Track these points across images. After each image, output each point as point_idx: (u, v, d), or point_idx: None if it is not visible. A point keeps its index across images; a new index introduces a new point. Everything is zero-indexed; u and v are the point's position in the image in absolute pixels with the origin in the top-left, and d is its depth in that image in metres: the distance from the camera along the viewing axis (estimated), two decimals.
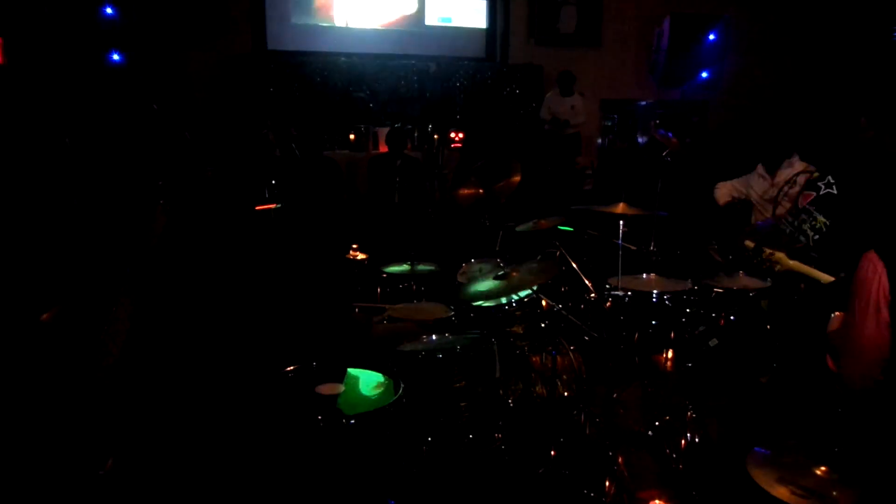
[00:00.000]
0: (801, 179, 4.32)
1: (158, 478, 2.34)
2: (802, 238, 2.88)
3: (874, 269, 2.05)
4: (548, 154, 8.74)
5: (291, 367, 2.60)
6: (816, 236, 2.86)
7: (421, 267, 4.41)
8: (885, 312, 2.03)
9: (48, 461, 1.69)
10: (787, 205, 4.01)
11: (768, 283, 3.40)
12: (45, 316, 1.77)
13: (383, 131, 8.57)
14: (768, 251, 2.73)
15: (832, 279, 2.51)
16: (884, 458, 1.97)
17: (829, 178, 2.85)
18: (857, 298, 2.10)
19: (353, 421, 2.29)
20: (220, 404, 2.77)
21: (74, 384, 1.83)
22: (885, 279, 2.02)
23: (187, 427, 2.58)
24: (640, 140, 9.86)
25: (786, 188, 4.20)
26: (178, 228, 2.81)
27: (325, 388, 2.44)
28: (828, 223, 2.82)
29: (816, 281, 2.62)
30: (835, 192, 2.81)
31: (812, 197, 2.86)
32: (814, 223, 2.84)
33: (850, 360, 2.10)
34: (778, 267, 2.72)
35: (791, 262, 2.69)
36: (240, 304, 3.62)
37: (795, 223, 2.89)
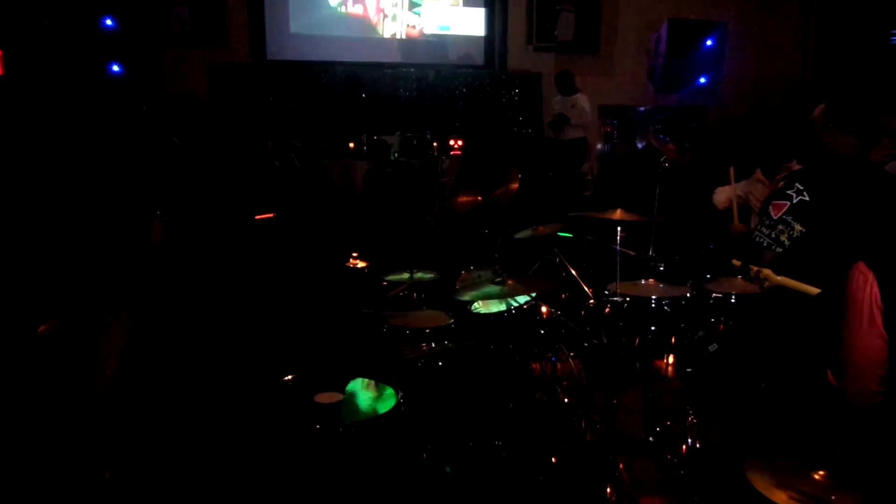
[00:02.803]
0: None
1: (157, 489, 2.34)
2: (779, 249, 2.88)
3: (864, 279, 2.05)
4: (551, 160, 8.72)
5: (290, 376, 2.60)
6: (790, 244, 2.86)
7: (420, 275, 4.41)
8: (878, 322, 2.02)
9: (45, 472, 1.69)
10: None
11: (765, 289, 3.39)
12: (42, 328, 1.78)
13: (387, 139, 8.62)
14: (755, 269, 2.73)
15: (817, 291, 2.51)
16: (884, 464, 1.97)
17: (798, 184, 2.84)
18: (849, 310, 2.09)
19: (352, 429, 2.29)
20: (219, 413, 2.77)
21: (72, 396, 1.83)
22: (875, 289, 2.02)
23: (186, 437, 2.58)
24: (638, 145, 9.86)
25: None
26: (177, 238, 2.82)
27: (324, 397, 2.44)
28: (804, 230, 2.81)
29: (805, 294, 2.62)
30: (807, 198, 2.80)
31: (786, 207, 2.85)
32: (791, 233, 2.84)
33: (850, 371, 2.09)
34: (766, 284, 2.72)
35: (779, 278, 2.69)
36: (239, 312, 3.62)
37: (772, 234, 2.88)
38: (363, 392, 2.63)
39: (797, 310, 2.84)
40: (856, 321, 2.06)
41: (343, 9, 9.46)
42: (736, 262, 2.83)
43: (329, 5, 9.39)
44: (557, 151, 8.82)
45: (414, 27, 9.69)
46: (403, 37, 9.70)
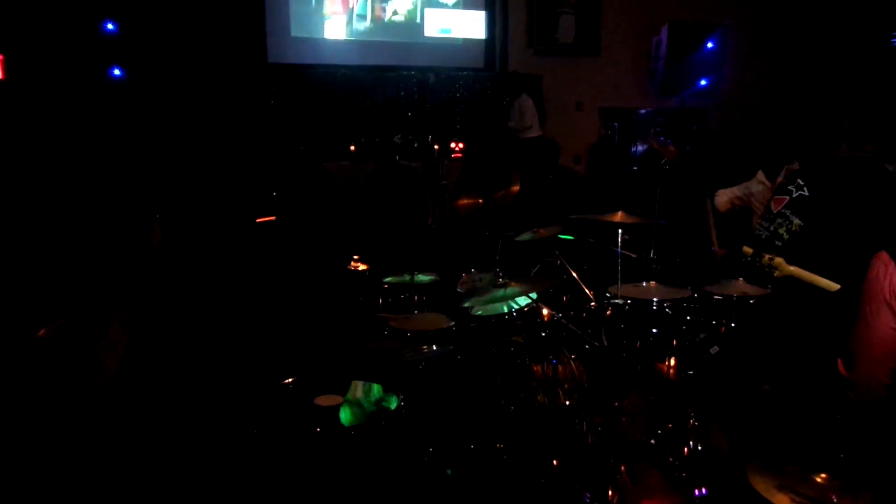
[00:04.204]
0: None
1: (158, 490, 2.33)
2: (778, 242, 2.89)
3: (885, 269, 2.05)
4: (521, 161, 8.78)
5: (290, 379, 2.59)
6: (789, 238, 2.88)
7: (421, 277, 4.41)
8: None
9: (47, 472, 1.69)
10: None
11: (769, 290, 3.39)
12: (42, 331, 1.77)
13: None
14: (767, 256, 2.73)
15: (837, 287, 2.50)
16: (889, 465, 1.96)
17: (799, 180, 2.88)
18: (868, 299, 2.09)
19: (352, 432, 2.28)
20: (218, 415, 2.76)
21: (72, 397, 1.83)
22: (895, 278, 2.02)
23: (186, 438, 2.58)
24: (639, 148, 9.88)
25: None
26: (176, 241, 2.82)
27: (325, 400, 2.44)
28: (802, 224, 2.83)
29: (818, 288, 2.61)
30: (806, 193, 2.83)
31: (785, 201, 2.88)
32: (790, 226, 2.86)
33: (862, 361, 2.09)
34: (777, 272, 2.71)
35: (790, 268, 2.68)
36: (240, 315, 3.62)
37: (771, 227, 2.91)
38: (364, 395, 2.63)
39: (805, 303, 2.84)
40: (872, 311, 2.06)
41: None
42: (747, 249, 2.83)
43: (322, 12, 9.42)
44: (519, 151, 9.02)
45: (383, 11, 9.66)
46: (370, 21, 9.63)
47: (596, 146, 10.10)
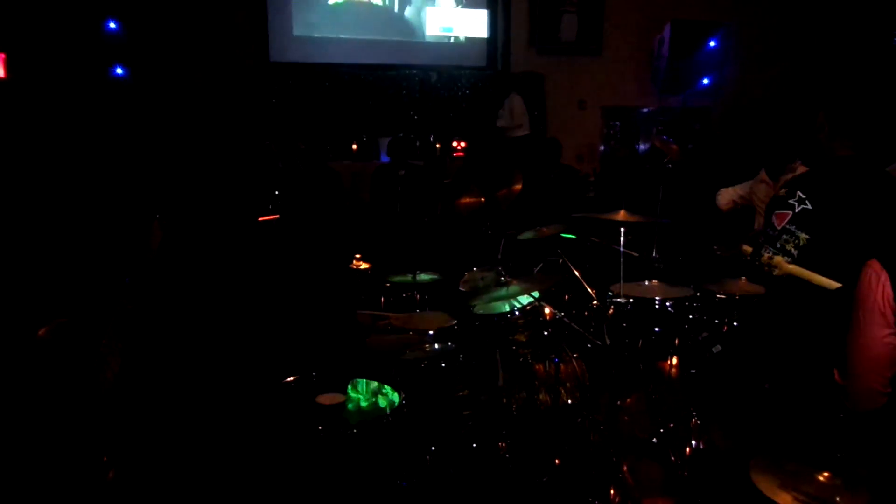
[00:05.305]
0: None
1: (159, 489, 2.34)
2: (787, 258, 2.86)
3: (877, 278, 2.03)
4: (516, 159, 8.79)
5: (292, 378, 2.59)
6: (798, 253, 2.84)
7: (423, 276, 4.41)
8: (890, 321, 2.01)
9: (48, 473, 1.69)
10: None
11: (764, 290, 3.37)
12: (42, 331, 1.77)
13: (385, 141, 8.64)
14: (766, 255, 2.71)
15: (838, 285, 2.48)
16: (889, 464, 1.95)
17: (799, 193, 2.82)
18: (861, 308, 2.08)
19: (354, 430, 2.28)
20: (221, 415, 2.76)
21: (74, 397, 1.83)
22: (889, 288, 2.01)
23: (188, 437, 2.58)
24: (641, 147, 9.87)
25: None
26: (177, 241, 2.82)
27: (326, 398, 2.44)
28: (810, 238, 2.79)
29: (818, 287, 2.60)
30: (810, 207, 2.78)
31: (789, 216, 2.83)
32: (797, 242, 2.82)
33: (857, 371, 2.08)
34: (776, 271, 2.69)
35: (790, 267, 2.67)
36: (241, 314, 3.62)
37: (778, 244, 2.87)
38: (365, 393, 2.63)
39: (804, 308, 2.82)
40: (866, 320, 2.05)
41: None
42: (747, 248, 2.81)
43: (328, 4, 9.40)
44: (509, 149, 9.07)
45: None
46: None
47: (612, 146, 10.09)
